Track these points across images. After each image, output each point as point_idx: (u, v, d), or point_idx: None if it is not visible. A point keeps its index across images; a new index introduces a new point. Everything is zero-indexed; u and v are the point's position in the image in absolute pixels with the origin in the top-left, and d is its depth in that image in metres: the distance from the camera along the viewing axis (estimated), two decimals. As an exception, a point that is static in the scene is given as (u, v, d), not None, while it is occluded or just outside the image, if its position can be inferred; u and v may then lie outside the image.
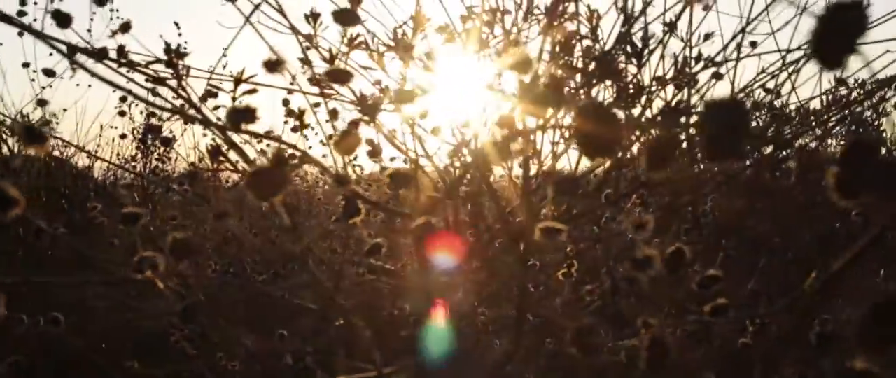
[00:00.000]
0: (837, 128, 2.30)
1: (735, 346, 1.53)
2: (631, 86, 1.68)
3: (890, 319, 0.34)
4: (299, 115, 1.69)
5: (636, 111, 1.75)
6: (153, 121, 3.41)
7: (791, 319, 1.39)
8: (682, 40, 1.79)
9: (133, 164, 4.33)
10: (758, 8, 1.78)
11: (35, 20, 2.32)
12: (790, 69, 1.85)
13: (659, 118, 1.67)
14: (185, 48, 1.74)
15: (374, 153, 1.76)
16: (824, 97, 2.10)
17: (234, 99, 1.40)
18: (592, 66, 1.60)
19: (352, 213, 1.12)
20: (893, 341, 0.35)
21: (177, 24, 4.00)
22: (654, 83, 1.73)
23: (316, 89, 1.48)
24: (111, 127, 4.78)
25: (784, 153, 2.12)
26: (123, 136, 4.34)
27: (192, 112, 1.63)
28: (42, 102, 2.80)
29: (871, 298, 0.36)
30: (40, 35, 1.24)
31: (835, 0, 0.44)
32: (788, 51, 1.84)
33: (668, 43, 1.74)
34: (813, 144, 2.12)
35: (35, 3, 2.55)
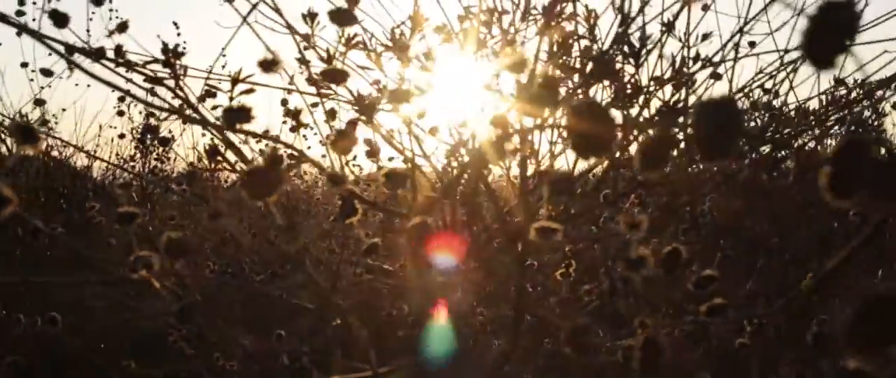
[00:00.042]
0: (836, 128, 2.30)
1: (732, 346, 1.53)
2: (628, 86, 1.68)
3: (877, 318, 0.34)
4: (296, 114, 1.68)
5: (634, 111, 1.75)
6: (151, 121, 3.41)
7: (788, 319, 1.39)
8: (680, 40, 1.79)
9: (132, 164, 4.34)
10: (756, 8, 1.78)
11: (33, 20, 2.32)
12: (788, 69, 1.85)
13: (656, 118, 1.67)
14: (184, 48, 1.74)
15: (372, 153, 1.76)
16: (822, 97, 2.10)
17: (231, 99, 1.40)
18: (590, 66, 1.60)
19: (349, 213, 1.12)
20: (881, 340, 0.35)
21: (175, 23, 4.00)
22: (651, 83, 1.73)
23: (313, 89, 1.48)
24: (110, 127, 4.78)
25: (782, 153, 2.12)
26: (122, 136, 4.34)
27: (189, 112, 1.62)
28: (39, 102, 2.80)
29: (858, 297, 0.35)
30: (36, 35, 1.24)
31: (826, 0, 0.44)
32: (786, 51, 1.85)
33: (666, 43, 1.74)
34: (811, 144, 2.12)
35: (33, 3, 2.55)
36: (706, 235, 2.05)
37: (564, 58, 1.68)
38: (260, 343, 1.72)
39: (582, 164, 1.70)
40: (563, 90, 1.75)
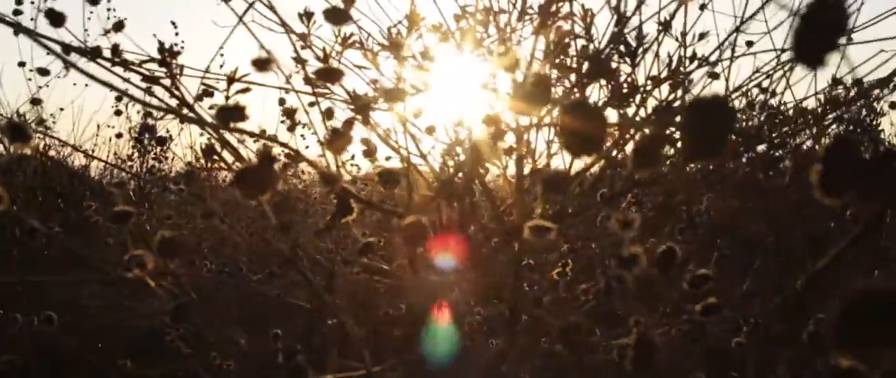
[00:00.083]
0: (833, 127, 2.31)
1: (728, 345, 1.53)
2: (625, 85, 1.68)
3: (863, 317, 0.34)
4: (291, 113, 1.68)
5: (631, 111, 1.75)
6: (149, 120, 3.41)
7: (785, 319, 1.39)
8: (677, 40, 1.79)
9: (130, 163, 4.33)
10: (752, 7, 1.78)
11: (32, 19, 2.31)
12: (785, 68, 1.85)
13: (652, 117, 1.67)
14: (181, 47, 1.74)
15: (369, 153, 1.76)
16: (819, 96, 2.10)
17: (227, 98, 1.40)
18: (586, 65, 1.60)
19: (344, 212, 1.12)
20: (867, 339, 0.35)
21: (173, 23, 4.01)
22: (648, 82, 1.73)
23: (309, 88, 1.48)
24: (108, 126, 4.78)
25: (779, 153, 2.12)
26: (119, 136, 4.34)
27: (186, 112, 1.62)
28: (36, 101, 2.79)
29: (844, 295, 0.36)
30: (31, 33, 1.23)
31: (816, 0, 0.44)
32: (783, 50, 1.85)
33: (663, 42, 1.74)
34: (808, 144, 2.12)
35: (32, 2, 2.55)
36: (703, 235, 2.05)
37: (561, 57, 1.68)
38: (256, 342, 1.72)
39: (578, 163, 1.70)
40: (560, 90, 1.75)
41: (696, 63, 1.79)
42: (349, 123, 1.46)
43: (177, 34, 4.19)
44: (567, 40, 1.62)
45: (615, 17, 1.62)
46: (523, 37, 1.69)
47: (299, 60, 1.45)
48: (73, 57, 1.54)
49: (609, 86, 1.70)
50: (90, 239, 2.55)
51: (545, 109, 1.18)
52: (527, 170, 1.62)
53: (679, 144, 1.53)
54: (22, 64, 3.42)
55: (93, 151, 4.65)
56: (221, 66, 2.75)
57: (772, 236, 2.15)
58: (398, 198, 1.69)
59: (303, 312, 1.95)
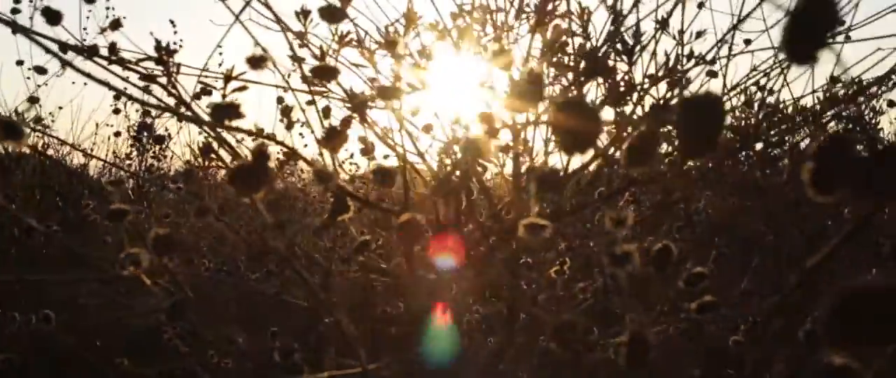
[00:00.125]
0: (832, 124, 2.30)
1: (726, 344, 1.52)
2: (622, 83, 1.67)
3: (853, 313, 0.34)
4: (287, 111, 1.68)
5: (628, 109, 1.75)
6: (147, 119, 3.41)
7: (779, 317, 1.39)
8: (674, 38, 1.79)
9: (128, 162, 4.33)
10: (750, 5, 1.78)
11: (30, 18, 2.31)
12: (782, 66, 1.85)
13: (649, 115, 1.67)
14: (179, 45, 1.74)
15: (367, 151, 1.76)
16: (816, 94, 2.10)
17: (223, 96, 1.40)
18: (583, 63, 1.60)
19: (340, 210, 1.12)
20: (858, 337, 0.34)
21: (172, 22, 4.00)
22: (645, 80, 1.73)
23: (306, 87, 1.48)
24: (107, 125, 4.78)
25: (777, 151, 2.12)
26: (118, 134, 4.33)
27: (183, 110, 1.62)
28: (33, 100, 2.79)
29: (836, 293, 0.35)
30: (26, 31, 1.23)
31: (806, -5, 0.44)
32: (779, 47, 1.84)
33: (660, 40, 1.74)
34: (807, 142, 2.12)
35: (29, 1, 2.55)
36: (701, 233, 2.05)
37: (559, 55, 1.68)
38: (254, 340, 1.72)
39: (576, 162, 1.70)
40: (557, 88, 1.75)
41: (693, 61, 1.79)
42: (346, 122, 1.46)
43: (176, 32, 4.20)
44: (564, 38, 1.62)
45: (611, 15, 1.62)
46: (520, 35, 1.69)
47: (296, 59, 1.45)
48: (71, 56, 1.54)
49: (606, 84, 1.69)
50: (88, 237, 2.55)
51: (542, 107, 1.18)
52: (524, 168, 1.62)
53: (676, 142, 1.53)
54: (20, 62, 3.42)
55: (91, 150, 4.66)
56: (220, 65, 2.75)
57: (770, 235, 2.15)
58: (396, 196, 1.69)
59: (301, 311, 1.95)
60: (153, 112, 2.79)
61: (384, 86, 1.14)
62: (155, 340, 1.85)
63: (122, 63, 1.57)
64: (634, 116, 1.72)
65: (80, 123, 8.86)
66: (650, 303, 1.46)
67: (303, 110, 1.44)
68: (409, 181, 1.42)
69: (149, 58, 1.58)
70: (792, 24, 0.44)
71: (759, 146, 2.03)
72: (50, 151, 4.24)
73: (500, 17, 1.69)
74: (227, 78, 1.37)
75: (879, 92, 2.09)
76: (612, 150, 1.65)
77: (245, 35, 1.34)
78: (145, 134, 3.86)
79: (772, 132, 1.96)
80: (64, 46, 1.53)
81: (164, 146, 4.10)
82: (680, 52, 1.77)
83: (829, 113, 2.14)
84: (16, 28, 1.21)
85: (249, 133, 1.42)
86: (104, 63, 1.57)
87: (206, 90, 1.69)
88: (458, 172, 1.40)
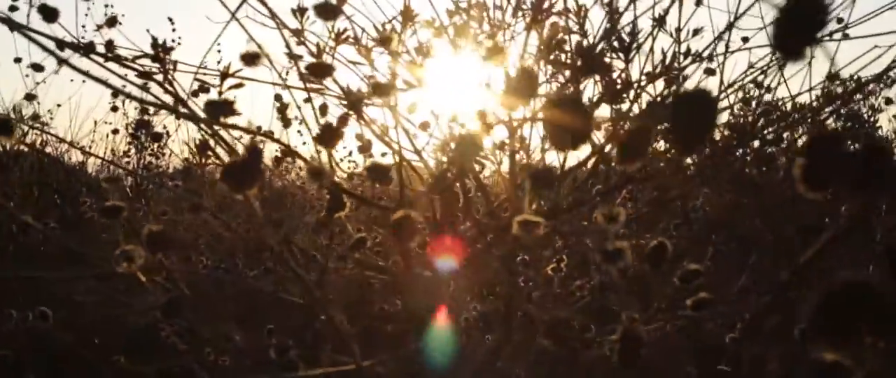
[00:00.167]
0: (830, 122, 2.30)
1: (722, 341, 1.53)
2: (619, 81, 1.67)
3: (838, 308, 0.34)
4: (282, 109, 1.68)
5: (625, 106, 1.75)
6: (144, 116, 3.40)
7: (775, 314, 1.39)
8: (671, 36, 1.79)
9: (126, 160, 4.33)
10: (747, 2, 1.78)
11: (27, 15, 2.31)
12: (779, 63, 1.85)
13: (645, 112, 1.67)
14: (176, 43, 1.74)
15: (364, 149, 1.76)
16: (813, 92, 2.10)
17: (220, 94, 1.40)
18: (580, 61, 1.60)
19: (336, 207, 1.12)
20: (842, 330, 0.35)
21: (170, 19, 4.00)
22: (642, 78, 1.73)
23: (302, 84, 1.48)
24: (105, 122, 4.77)
25: (774, 149, 2.12)
26: (116, 132, 4.33)
27: (180, 108, 1.62)
28: (30, 97, 2.79)
29: (822, 289, 0.35)
30: (21, 28, 1.23)
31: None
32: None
33: (657, 37, 1.73)
34: (804, 139, 2.12)
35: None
36: (698, 230, 2.05)
37: (556, 53, 1.68)
38: (251, 338, 1.72)
39: (573, 159, 1.70)
40: (554, 85, 1.74)
41: (690, 58, 1.79)
42: (342, 119, 1.46)
43: (173, 30, 4.19)
44: (561, 36, 1.62)
45: (607, 13, 1.61)
46: (517, 32, 1.69)
47: (293, 56, 1.45)
48: (68, 53, 1.53)
49: (603, 81, 1.69)
50: (86, 235, 2.55)
51: (538, 104, 1.18)
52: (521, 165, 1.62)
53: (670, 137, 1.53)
54: (18, 60, 3.42)
55: (89, 148, 4.65)
56: (219, 62, 2.74)
57: (768, 232, 2.15)
58: (394, 194, 1.69)
59: (299, 308, 1.95)
60: (151, 110, 2.79)
61: (379, 82, 1.14)
62: (152, 338, 1.85)
63: (119, 60, 1.57)
64: (631, 114, 1.72)
65: (79, 121, 8.85)
66: (647, 300, 1.46)
67: (299, 108, 1.44)
68: (406, 179, 1.42)
69: (145, 55, 1.58)
70: (782, 20, 0.44)
71: (756, 143, 2.03)
72: (48, 149, 4.24)
73: (497, 15, 1.68)
74: (224, 75, 1.37)
75: (878, 90, 2.09)
76: (608, 147, 1.65)
77: (240, 33, 1.34)
78: (143, 132, 3.85)
79: (769, 130, 1.96)
80: (61, 44, 1.53)
81: (162, 144, 4.09)
82: (677, 49, 1.77)
83: (826, 110, 2.14)
84: (12, 25, 1.20)
85: (247, 131, 1.42)
86: (102, 61, 1.57)
87: (203, 87, 1.69)
88: (454, 170, 1.40)
